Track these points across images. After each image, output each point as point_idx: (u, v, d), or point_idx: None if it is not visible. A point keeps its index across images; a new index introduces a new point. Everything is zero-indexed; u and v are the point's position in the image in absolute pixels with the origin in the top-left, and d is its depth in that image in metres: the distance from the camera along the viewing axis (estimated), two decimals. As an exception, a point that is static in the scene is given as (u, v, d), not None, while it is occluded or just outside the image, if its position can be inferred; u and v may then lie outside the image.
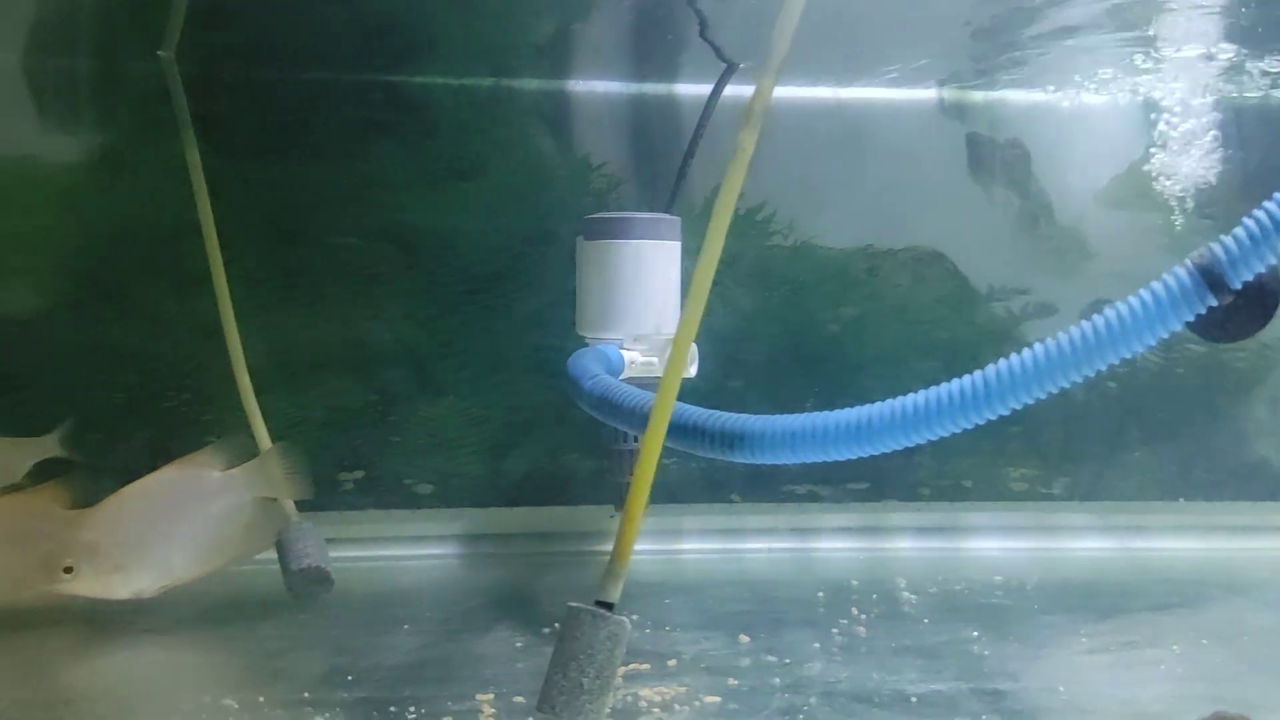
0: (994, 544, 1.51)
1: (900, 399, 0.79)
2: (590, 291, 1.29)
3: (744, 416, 0.84)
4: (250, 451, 1.23)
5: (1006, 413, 0.77)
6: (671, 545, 1.47)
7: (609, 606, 0.79)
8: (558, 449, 1.51)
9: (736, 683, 0.97)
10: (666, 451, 1.35)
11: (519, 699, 0.93)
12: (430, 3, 1.34)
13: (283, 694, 0.95)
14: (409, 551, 1.43)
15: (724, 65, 1.40)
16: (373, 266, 1.47)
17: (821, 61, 1.49)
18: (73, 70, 1.42)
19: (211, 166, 1.28)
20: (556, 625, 1.09)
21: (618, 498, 1.33)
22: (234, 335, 1.28)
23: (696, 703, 0.92)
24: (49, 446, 1.29)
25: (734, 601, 1.24)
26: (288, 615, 1.19)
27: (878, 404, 0.80)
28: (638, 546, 1.41)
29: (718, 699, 0.93)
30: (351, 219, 1.47)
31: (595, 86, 1.53)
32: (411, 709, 0.91)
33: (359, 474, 1.48)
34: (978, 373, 0.77)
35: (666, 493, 1.42)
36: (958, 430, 0.78)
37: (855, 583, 1.30)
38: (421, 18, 1.38)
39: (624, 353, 1.25)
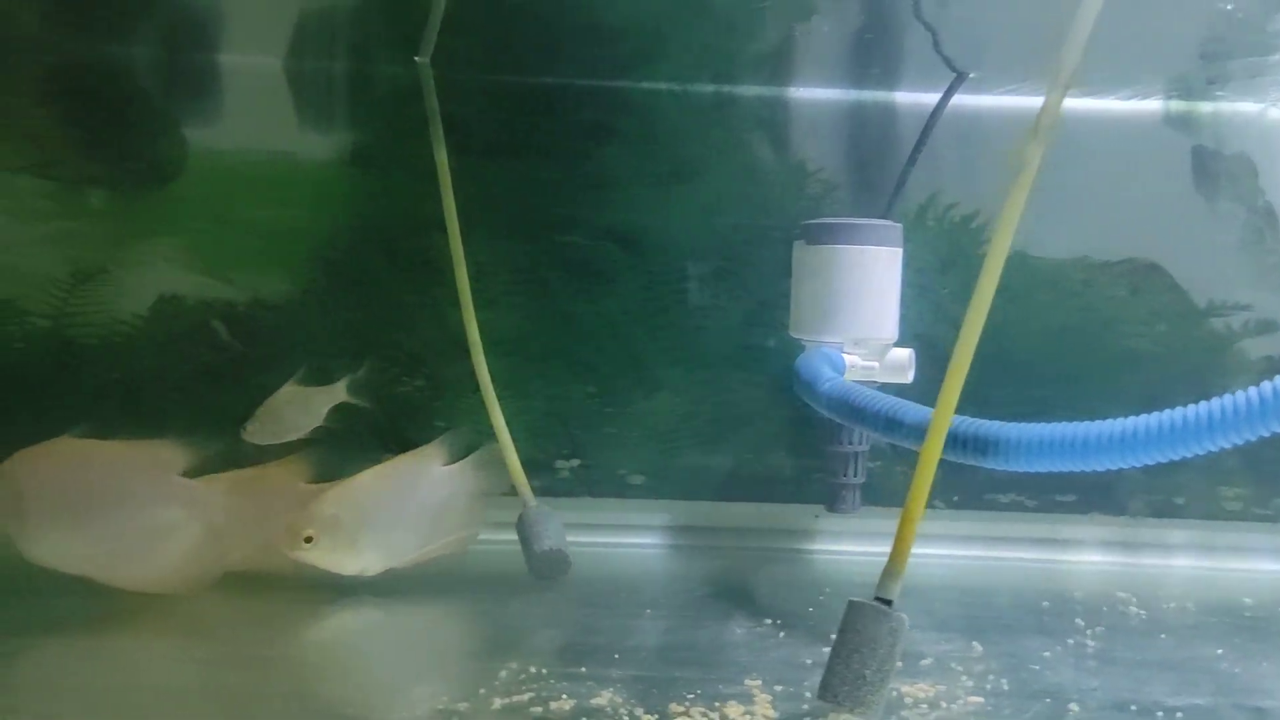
0: (1206, 563, 1.48)
1: (1163, 413, 0.80)
2: (810, 295, 1.32)
3: (999, 423, 0.86)
4: (469, 448, 1.30)
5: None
6: (880, 548, 1.48)
7: (887, 603, 0.83)
8: (764, 447, 1.54)
9: (991, 685, 0.98)
10: (873, 454, 1.41)
11: (779, 687, 0.96)
12: (659, 12, 1.39)
13: (558, 667, 0.99)
14: (621, 539, 1.48)
15: (953, 75, 1.41)
16: (595, 264, 1.52)
17: (1037, 70, 1.48)
18: (329, 72, 1.51)
19: (450, 165, 1.34)
20: (778, 619, 1.16)
21: (829, 498, 1.36)
22: (473, 328, 1.34)
23: (960, 702, 0.93)
24: (339, 393, 1.38)
25: (956, 606, 1.25)
26: (533, 594, 1.25)
27: (1141, 417, 0.81)
28: (846, 548, 1.49)
29: (980, 699, 0.94)
30: (577, 218, 1.52)
31: (814, 93, 1.56)
32: (687, 690, 0.94)
33: (575, 462, 1.53)
34: (1251, 389, 0.77)
35: (873, 496, 1.44)
36: (1223, 446, 0.79)
37: (1078, 594, 1.30)
38: (650, 26, 1.44)
39: (844, 356, 1.28)
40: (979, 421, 0.88)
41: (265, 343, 1.49)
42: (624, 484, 1.54)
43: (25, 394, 1.45)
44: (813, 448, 1.52)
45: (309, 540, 1.15)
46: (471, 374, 1.38)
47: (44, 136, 1.45)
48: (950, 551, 1.48)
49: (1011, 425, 0.86)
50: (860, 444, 1.34)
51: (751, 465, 1.54)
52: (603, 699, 0.91)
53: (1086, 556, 1.50)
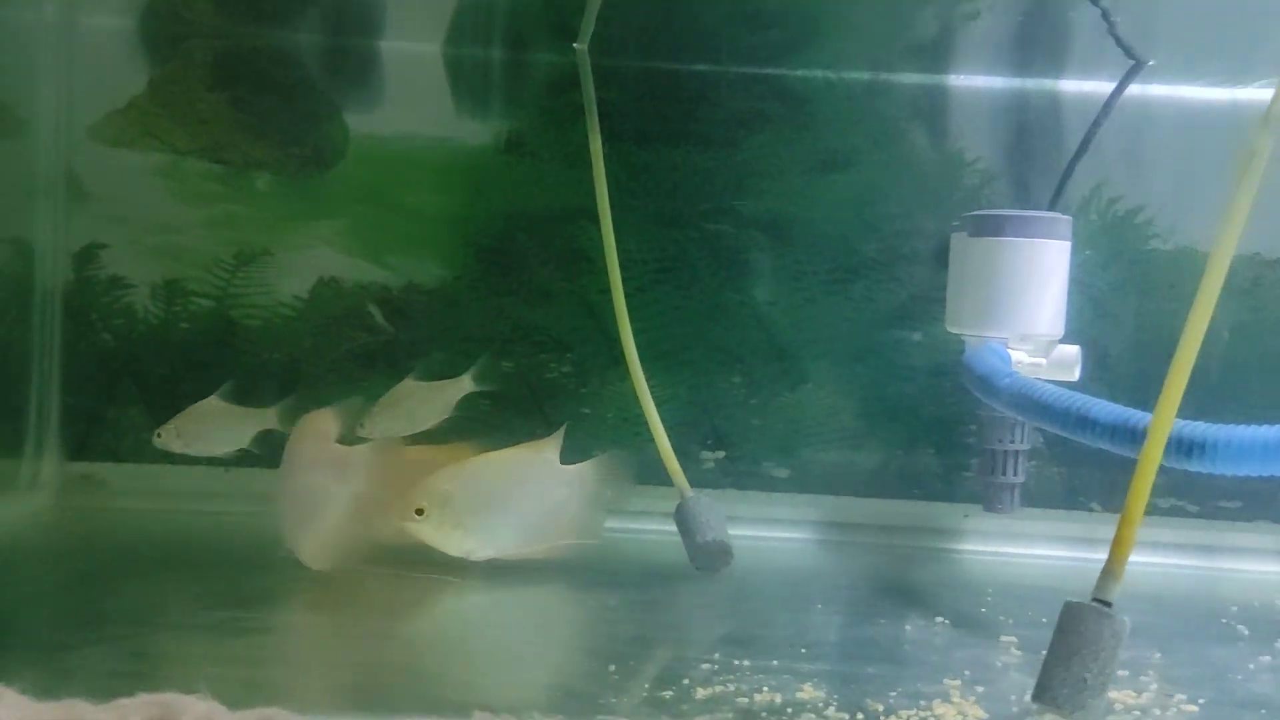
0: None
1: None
2: (974, 288, 1.28)
3: (1211, 425, 0.83)
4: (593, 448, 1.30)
5: None
6: (1035, 551, 1.45)
7: (1106, 605, 0.80)
8: (912, 443, 1.51)
9: (1197, 692, 0.94)
10: (1030, 454, 1.36)
11: (980, 687, 0.93)
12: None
13: (750, 659, 0.97)
14: (765, 533, 1.46)
15: (1129, 63, 1.35)
16: (744, 253, 1.50)
17: (1218, 58, 1.42)
18: (486, 59, 1.52)
19: (602, 152, 1.34)
20: (950, 619, 1.13)
21: (986, 497, 1.32)
22: (624, 315, 1.33)
23: (1173, 710, 0.90)
24: (465, 385, 1.40)
25: (1129, 613, 1.20)
26: (697, 584, 1.24)
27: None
28: (998, 549, 1.45)
29: (1194, 708, 0.90)
30: (727, 206, 1.50)
31: (974, 81, 1.52)
32: (886, 688, 0.92)
33: (720, 454, 1.52)
34: None
35: (1024, 497, 1.40)
36: None
37: (1256, 603, 1.25)
38: (806, 13, 1.41)
39: (1010, 352, 1.24)
40: (1189, 423, 0.84)
41: (418, 327, 1.51)
42: (769, 477, 1.52)
43: (188, 372, 1.49)
44: (960, 445, 1.50)
45: (419, 513, 1.15)
46: (618, 362, 1.38)
47: (213, 121, 1.49)
48: (1097, 556, 1.42)
49: (1223, 427, 0.82)
50: (1021, 442, 1.30)
51: (899, 461, 1.51)
52: (805, 693, 0.89)
53: (1250, 565, 1.43)
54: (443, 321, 1.51)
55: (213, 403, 1.37)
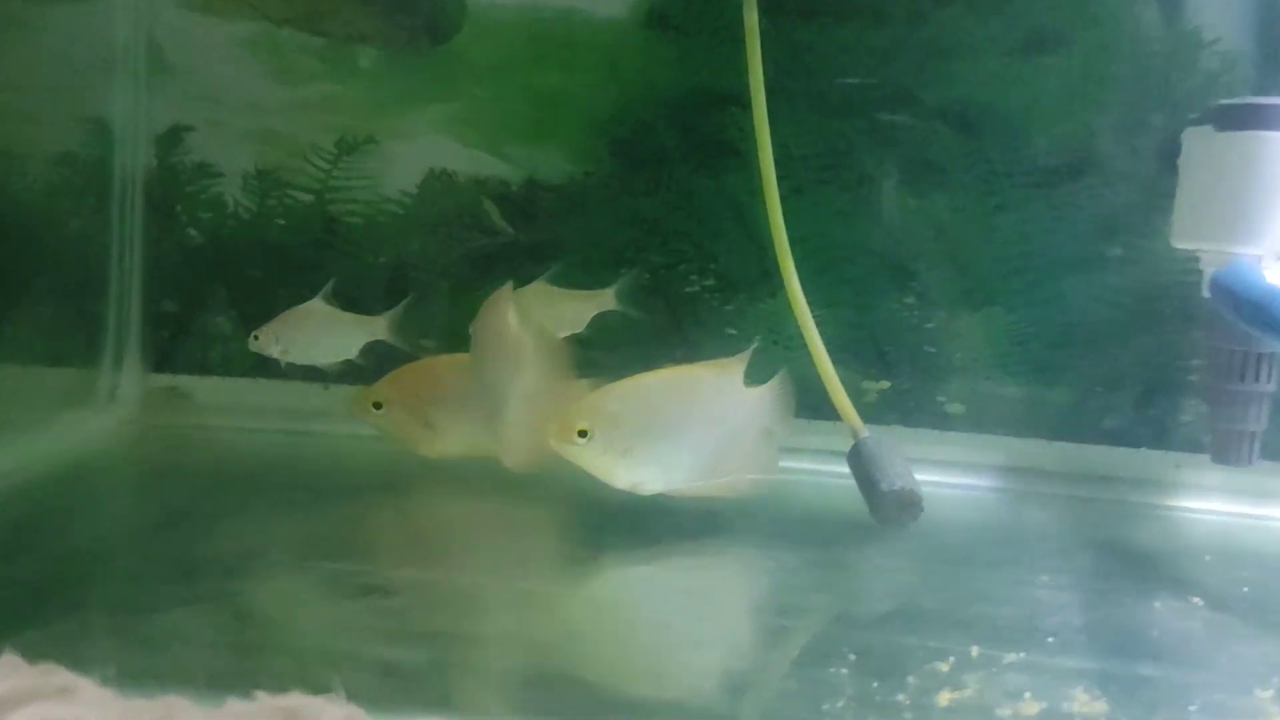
0: None
1: None
2: (1217, 193, 1.05)
3: None
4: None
5: None
6: (1266, 510, 1.22)
7: None
8: (1116, 380, 1.28)
9: None
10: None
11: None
12: None
13: (987, 649, 0.80)
14: (936, 477, 1.23)
15: None
16: (925, 150, 1.28)
17: None
18: (625, -85, 1.31)
19: (760, 28, 1.15)
20: (1206, 599, 0.93)
21: (1218, 446, 1.10)
22: (779, 224, 1.16)
23: None
24: (607, 300, 1.23)
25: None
26: (883, 542, 1.06)
27: None
28: (1223, 507, 1.23)
29: None
30: (906, 93, 1.28)
31: (1216, -58, 1.25)
32: (1184, 699, 0.75)
33: (885, 385, 1.32)
34: None
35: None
36: None
37: None
38: None
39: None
40: None
41: (540, 229, 1.34)
42: (943, 414, 1.32)
43: (283, 275, 1.36)
44: (1176, 383, 1.28)
45: (582, 434, 0.99)
46: (769, 275, 1.23)
47: (312, -16, 1.31)
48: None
49: None
50: (1268, 382, 1.07)
51: (1099, 400, 1.29)
52: (1080, 704, 0.70)
53: None
54: (569, 224, 1.33)
55: (317, 305, 1.23)
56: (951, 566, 1.01)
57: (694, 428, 1.03)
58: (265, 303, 1.30)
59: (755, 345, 1.06)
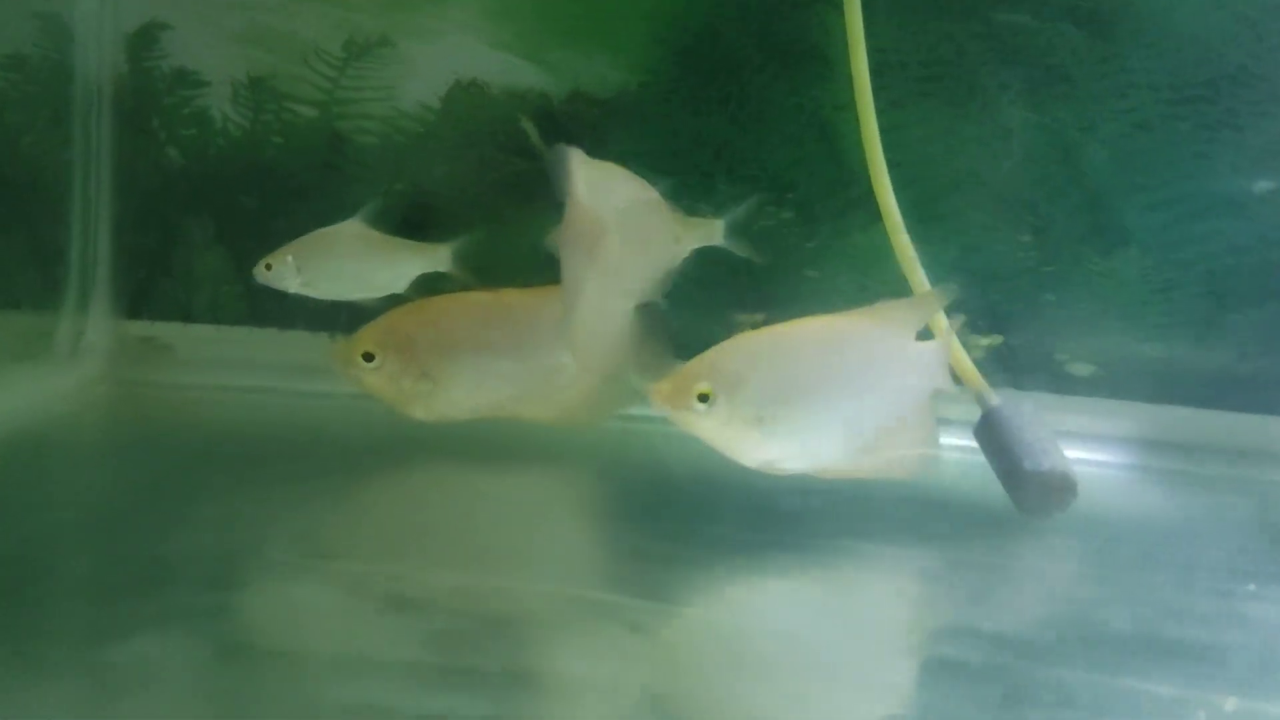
0: None
1: None
2: None
3: None
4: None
5: None
6: None
7: None
8: (1276, 336, 1.11)
9: None
10: None
11: None
12: None
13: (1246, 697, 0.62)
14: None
15: None
16: (1049, 56, 1.12)
17: None
18: None
19: None
20: None
21: None
22: (874, 145, 1.02)
23: None
24: (715, 234, 1.02)
25: None
26: (1034, 533, 0.89)
27: None
28: None
29: None
30: None
31: None
32: None
33: (996, 339, 1.16)
34: None
35: None
36: None
37: None
38: None
39: None
40: None
41: (588, 151, 1.11)
42: (1064, 374, 1.16)
43: (282, 203, 1.20)
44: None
45: (703, 399, 0.80)
46: (859, 205, 1.11)
47: None
48: None
49: None
50: None
51: (1256, 362, 1.12)
52: None
53: None
54: (620, 145, 1.16)
55: (354, 228, 1.06)
56: (1126, 570, 0.84)
57: (847, 391, 0.85)
58: (259, 237, 1.12)
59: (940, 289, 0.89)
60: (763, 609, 0.75)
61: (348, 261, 1.05)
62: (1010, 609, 0.78)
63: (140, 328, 1.21)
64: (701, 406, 0.80)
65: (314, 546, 0.79)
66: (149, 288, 1.22)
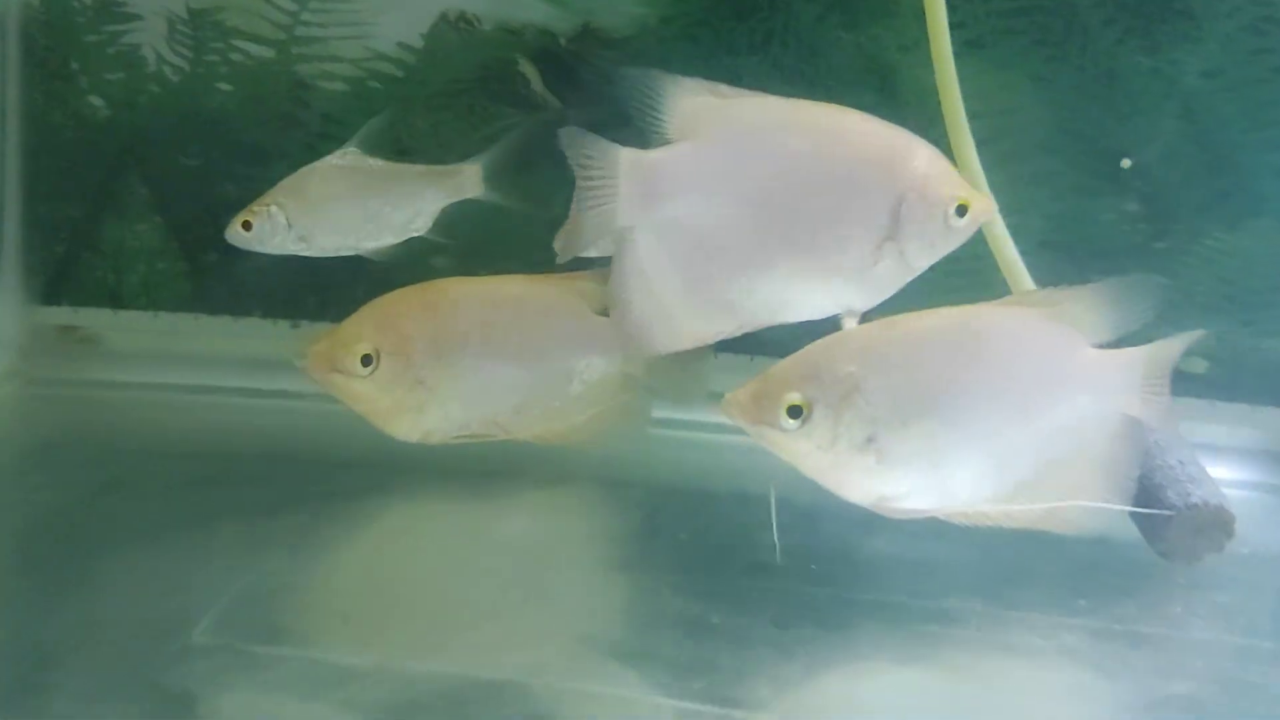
0: None
1: None
2: None
3: None
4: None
5: None
6: None
7: None
8: None
9: None
10: None
11: None
12: None
13: None
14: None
15: None
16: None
17: None
18: None
19: None
20: None
21: None
22: (953, 94, 0.87)
23: None
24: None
25: None
26: (1182, 593, 0.73)
27: None
28: None
29: None
30: None
31: None
32: None
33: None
34: None
35: None
36: None
37: None
38: None
39: None
40: None
41: (601, 100, 1.02)
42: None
43: (231, 164, 1.06)
44: None
45: (796, 413, 0.66)
46: None
47: None
48: None
49: None
50: None
51: None
52: None
53: None
54: None
55: (352, 159, 0.91)
56: None
57: (998, 408, 0.68)
58: (204, 204, 1.01)
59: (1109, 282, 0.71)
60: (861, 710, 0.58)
61: (351, 201, 0.89)
62: (1194, 705, 0.60)
63: (58, 314, 1.11)
64: (793, 424, 0.65)
65: (255, 622, 0.62)
66: (69, 266, 1.12)
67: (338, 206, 0.89)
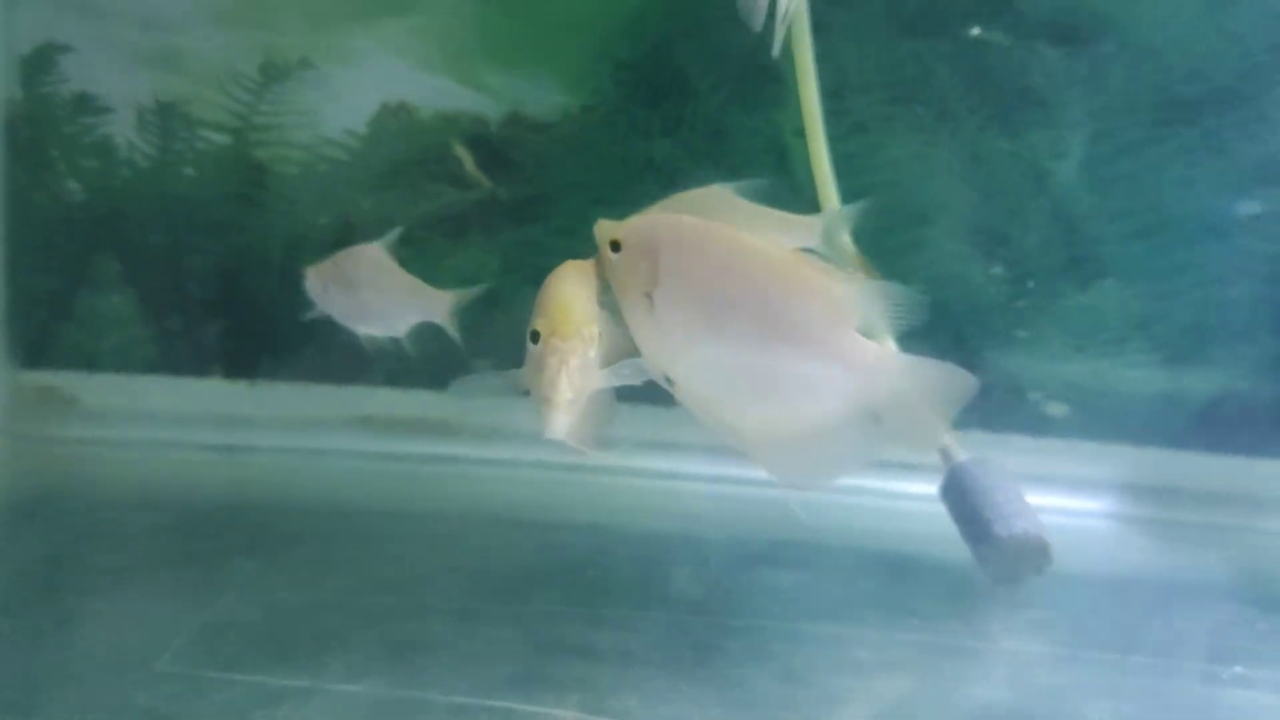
0: None
1: None
2: None
3: None
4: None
5: None
6: None
7: None
8: (1262, 370, 1.07)
9: None
10: None
11: None
12: None
13: None
14: (1030, 498, 0.99)
15: None
16: (1021, 75, 1.08)
17: None
18: None
19: None
20: None
21: None
22: (825, 173, 0.93)
23: None
24: (805, 236, 0.89)
25: None
26: (1007, 611, 0.83)
27: None
28: None
29: None
30: (1000, 4, 1.06)
31: None
32: None
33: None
34: None
35: None
36: None
37: None
38: None
39: None
40: None
41: (528, 180, 1.12)
42: (1039, 415, 1.12)
43: (195, 239, 1.13)
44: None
45: (615, 248, 0.68)
46: None
47: None
48: None
49: None
50: None
51: (1249, 397, 1.08)
52: None
53: None
54: (562, 173, 1.12)
55: (382, 257, 0.92)
56: (1106, 652, 0.76)
57: (758, 326, 0.66)
58: (172, 275, 1.09)
59: None
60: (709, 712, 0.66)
61: (384, 290, 0.93)
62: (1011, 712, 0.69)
63: (38, 377, 1.15)
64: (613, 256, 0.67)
65: (212, 653, 0.69)
66: (48, 333, 1.16)
67: (372, 293, 0.92)
